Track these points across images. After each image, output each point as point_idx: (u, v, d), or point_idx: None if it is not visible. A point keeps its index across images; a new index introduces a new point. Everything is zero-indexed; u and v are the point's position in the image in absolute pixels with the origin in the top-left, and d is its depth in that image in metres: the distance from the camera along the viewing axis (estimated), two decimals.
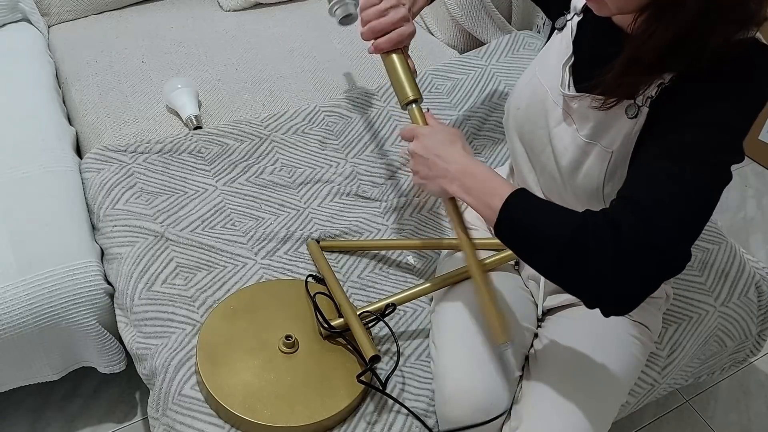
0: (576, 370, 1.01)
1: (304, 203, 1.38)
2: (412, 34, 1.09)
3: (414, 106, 1.06)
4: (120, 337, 1.24)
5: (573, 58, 0.99)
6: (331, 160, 1.48)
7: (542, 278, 1.12)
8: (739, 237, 1.99)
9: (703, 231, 1.36)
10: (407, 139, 1.01)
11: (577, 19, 1.01)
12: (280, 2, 2.00)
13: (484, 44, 1.84)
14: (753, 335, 1.33)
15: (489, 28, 1.94)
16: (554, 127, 1.01)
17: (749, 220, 2.05)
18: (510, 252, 1.08)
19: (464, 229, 1.01)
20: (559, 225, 0.81)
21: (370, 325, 1.12)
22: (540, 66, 1.06)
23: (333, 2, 1.40)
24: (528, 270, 1.16)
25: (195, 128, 1.51)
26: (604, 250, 0.77)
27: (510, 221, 0.85)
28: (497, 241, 0.94)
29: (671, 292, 1.16)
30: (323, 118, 1.56)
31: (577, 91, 0.97)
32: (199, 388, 1.07)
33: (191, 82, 1.59)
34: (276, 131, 1.51)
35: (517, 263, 1.19)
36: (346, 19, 1.42)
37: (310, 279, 1.17)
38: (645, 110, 0.88)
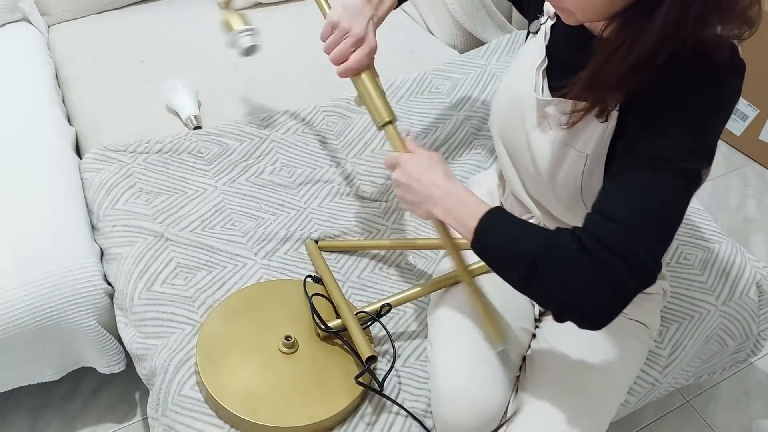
0: (574, 370, 1.01)
1: (304, 203, 1.38)
2: (372, 52, 1.08)
3: (390, 126, 1.07)
4: (120, 337, 1.24)
5: (546, 62, 0.99)
6: (331, 160, 1.48)
7: None
8: (739, 237, 1.99)
9: (704, 231, 1.37)
10: (390, 168, 1.02)
11: (550, 23, 1.01)
12: (280, 2, 2.00)
13: (484, 44, 1.84)
14: (754, 335, 1.33)
15: (489, 28, 1.94)
16: (531, 131, 1.02)
17: (749, 220, 2.05)
18: None
19: (451, 238, 1.03)
20: (528, 243, 0.84)
21: (367, 325, 1.12)
22: (516, 69, 1.07)
23: (240, 31, 1.37)
24: None
25: (195, 128, 1.51)
26: (569, 267, 0.80)
27: (484, 240, 0.88)
28: None
29: (668, 288, 1.15)
30: (323, 118, 1.56)
31: (553, 96, 0.97)
32: (198, 388, 1.07)
33: (191, 82, 1.59)
34: (276, 131, 1.51)
35: None
36: (251, 49, 1.41)
37: (308, 279, 1.17)
38: (615, 114, 0.88)
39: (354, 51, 1.05)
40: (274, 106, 1.62)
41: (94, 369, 1.33)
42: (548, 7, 1.02)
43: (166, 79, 1.60)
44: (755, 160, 2.23)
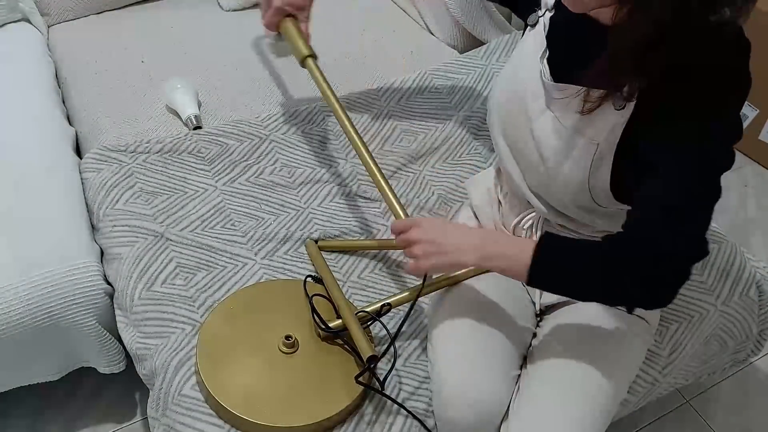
0: (575, 367, 1.01)
1: (304, 203, 1.38)
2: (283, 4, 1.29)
3: (310, 61, 1.27)
4: (120, 337, 1.24)
5: (548, 52, 1.00)
6: (331, 160, 1.48)
7: None
8: (739, 237, 1.98)
9: None
10: (403, 231, 1.01)
11: (549, 15, 1.02)
12: None
13: (484, 44, 1.84)
14: (754, 335, 1.33)
15: (489, 28, 1.94)
16: (536, 119, 1.01)
17: (749, 220, 2.05)
18: None
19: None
20: (589, 263, 0.88)
21: (367, 325, 1.12)
22: (517, 61, 1.07)
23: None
24: None
25: (195, 128, 1.51)
26: (634, 269, 0.85)
27: (541, 274, 0.91)
28: None
29: None
30: (323, 118, 1.56)
31: (556, 82, 0.98)
32: (199, 388, 1.07)
33: (191, 82, 1.59)
34: (276, 131, 1.51)
35: None
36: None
37: (309, 279, 1.17)
38: (632, 102, 0.89)
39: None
40: (274, 106, 1.62)
41: (94, 369, 1.33)
42: (545, 0, 1.03)
43: (166, 79, 1.60)
44: (755, 161, 2.23)
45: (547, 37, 1.00)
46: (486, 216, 1.21)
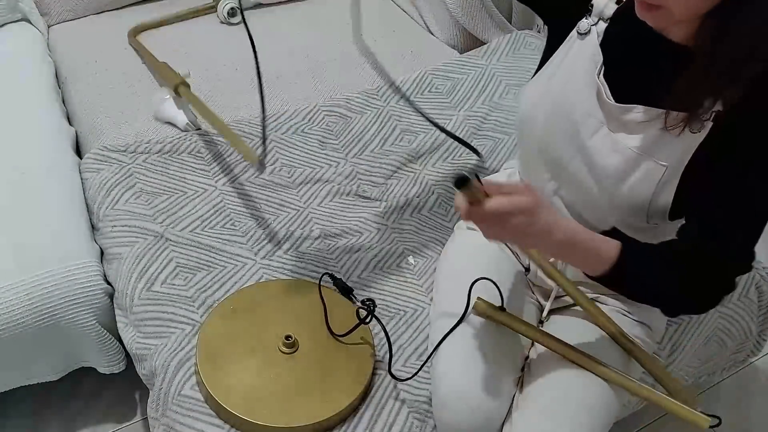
0: (577, 370, 1.01)
1: (304, 203, 1.38)
2: None
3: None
4: (120, 337, 1.24)
5: (604, 67, 0.93)
6: (331, 160, 1.48)
7: (555, 287, 1.11)
8: None
9: None
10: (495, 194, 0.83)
11: (603, 25, 0.94)
12: (280, 2, 2.00)
13: (484, 44, 1.84)
14: (753, 335, 1.33)
15: (489, 28, 1.94)
16: (589, 137, 0.95)
17: None
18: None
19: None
20: (665, 280, 0.89)
21: (367, 321, 1.11)
22: (561, 74, 0.99)
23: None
24: (534, 273, 1.15)
25: (197, 130, 1.51)
26: (701, 277, 0.88)
27: (624, 273, 0.89)
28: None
29: None
30: (323, 118, 1.56)
31: (617, 101, 0.92)
32: (198, 389, 1.07)
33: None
34: (275, 131, 1.51)
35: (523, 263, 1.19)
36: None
37: (325, 278, 1.18)
38: (709, 125, 0.85)
39: None
40: (274, 106, 1.62)
41: (94, 369, 1.33)
42: (602, 9, 0.94)
43: (152, 92, 1.58)
44: None
45: (603, 51, 0.93)
46: None
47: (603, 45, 0.94)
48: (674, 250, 0.89)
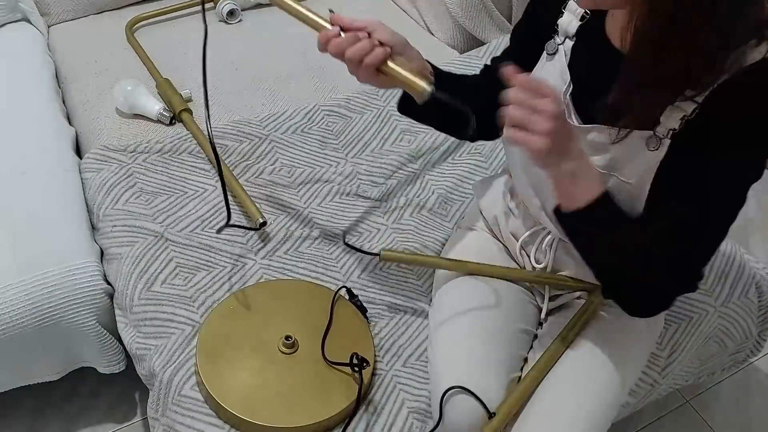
0: (576, 370, 1.01)
1: (304, 203, 1.38)
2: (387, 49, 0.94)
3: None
4: (120, 337, 1.24)
5: (572, 86, 0.94)
6: (331, 160, 1.47)
7: (547, 288, 1.11)
8: (739, 237, 1.98)
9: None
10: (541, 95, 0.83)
11: (570, 43, 0.95)
12: None
13: (484, 44, 1.84)
14: (753, 335, 1.33)
15: (489, 28, 1.94)
16: None
17: (749, 220, 2.05)
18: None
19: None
20: (626, 237, 0.89)
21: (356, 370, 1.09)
22: None
23: None
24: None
25: (171, 120, 1.51)
26: (661, 266, 0.89)
27: (583, 223, 0.90)
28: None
29: None
30: (323, 118, 1.56)
31: (583, 122, 0.93)
32: (198, 389, 1.07)
33: (136, 81, 1.56)
34: (275, 131, 1.51)
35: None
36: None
37: (342, 291, 1.17)
38: (667, 142, 0.86)
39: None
40: (274, 106, 1.62)
41: (94, 369, 1.33)
42: (566, 27, 0.95)
43: (112, 85, 1.55)
44: None
45: (571, 70, 0.94)
46: (494, 222, 1.18)
47: (570, 64, 0.94)
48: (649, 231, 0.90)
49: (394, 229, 1.35)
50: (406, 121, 1.58)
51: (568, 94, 0.93)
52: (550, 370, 1.02)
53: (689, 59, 0.77)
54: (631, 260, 0.89)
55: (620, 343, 1.05)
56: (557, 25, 0.96)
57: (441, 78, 1.01)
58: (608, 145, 0.90)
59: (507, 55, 1.10)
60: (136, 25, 1.82)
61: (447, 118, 1.03)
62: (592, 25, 0.92)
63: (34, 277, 1.21)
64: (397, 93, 1.65)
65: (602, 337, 1.05)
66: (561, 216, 0.90)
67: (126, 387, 1.46)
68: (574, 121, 0.93)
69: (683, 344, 1.22)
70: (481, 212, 1.22)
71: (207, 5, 1.93)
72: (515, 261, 1.16)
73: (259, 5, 1.97)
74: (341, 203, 1.39)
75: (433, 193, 1.43)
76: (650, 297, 0.93)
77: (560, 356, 1.03)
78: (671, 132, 0.86)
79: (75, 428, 1.41)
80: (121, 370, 1.33)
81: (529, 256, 1.12)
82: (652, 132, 0.87)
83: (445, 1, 1.91)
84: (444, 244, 1.29)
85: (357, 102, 1.61)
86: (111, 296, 1.27)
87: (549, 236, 1.08)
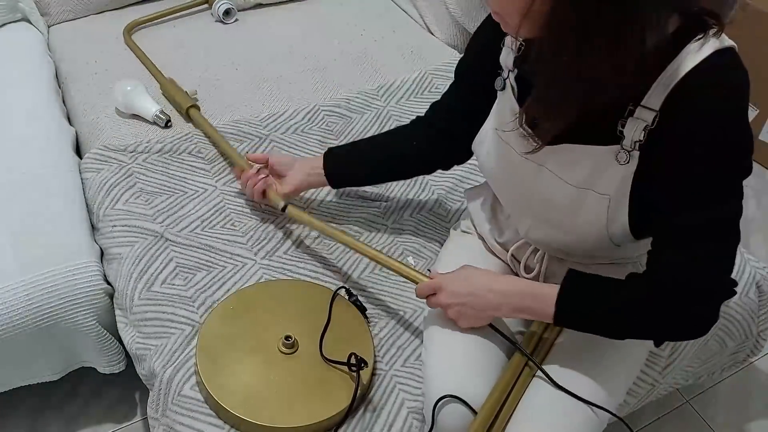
0: (573, 369, 1.01)
1: (304, 203, 1.38)
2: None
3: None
4: (120, 337, 1.24)
5: (524, 115, 0.93)
6: None
7: None
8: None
9: None
10: (429, 293, 1.04)
11: (512, 75, 0.98)
12: (280, 2, 2.00)
13: None
14: (753, 335, 1.33)
15: None
16: (533, 180, 0.99)
17: (749, 220, 2.05)
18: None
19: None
20: (616, 308, 0.91)
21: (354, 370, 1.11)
22: (496, 123, 1.03)
23: None
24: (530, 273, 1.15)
25: (167, 123, 1.51)
26: (666, 309, 0.88)
27: (568, 321, 0.95)
28: None
29: None
30: (323, 118, 1.56)
31: (548, 143, 0.93)
32: (198, 389, 1.07)
33: (137, 80, 1.56)
34: (275, 131, 1.51)
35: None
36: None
37: (341, 291, 1.18)
38: (636, 154, 0.87)
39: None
40: (274, 106, 1.62)
41: (94, 369, 1.33)
42: (505, 61, 0.99)
43: (113, 84, 1.56)
44: (755, 161, 2.23)
45: (518, 98, 0.97)
46: (485, 232, 1.18)
47: (520, 92, 0.97)
48: (636, 281, 0.90)
49: (394, 229, 1.35)
50: (407, 122, 1.58)
51: (523, 122, 0.93)
52: (525, 365, 1.03)
53: (586, 69, 0.78)
54: (645, 307, 0.89)
55: (615, 345, 1.04)
56: (500, 62, 1.01)
57: (338, 158, 1.25)
58: (582, 161, 0.92)
59: (450, 95, 1.17)
60: (134, 29, 1.82)
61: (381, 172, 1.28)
62: (527, 51, 0.94)
63: (34, 277, 1.21)
64: (397, 93, 1.65)
65: (596, 340, 1.03)
66: (562, 324, 0.96)
67: (126, 387, 1.46)
68: (537, 144, 0.92)
69: (683, 344, 1.22)
70: (472, 220, 1.22)
71: (202, 6, 1.94)
72: (509, 266, 1.16)
73: (259, 5, 1.98)
74: (341, 203, 1.39)
75: (433, 193, 1.43)
76: (688, 321, 0.89)
77: (536, 347, 1.06)
78: (638, 143, 0.86)
79: (75, 428, 1.41)
80: (121, 370, 1.33)
81: (519, 263, 1.12)
82: (619, 146, 0.88)
83: (445, 1, 1.91)
84: (443, 244, 1.29)
85: (357, 102, 1.61)
86: (111, 296, 1.27)
87: (539, 252, 1.10)
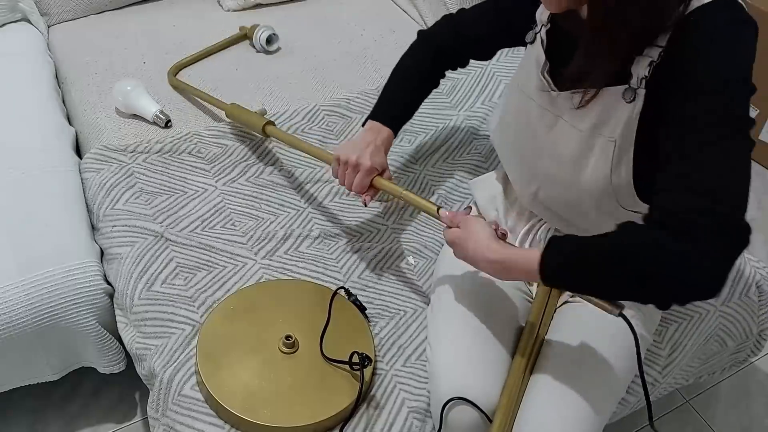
0: (573, 365, 1.01)
1: (304, 203, 1.38)
2: (370, 171, 1.16)
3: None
4: (120, 337, 1.24)
5: (548, 65, 1.01)
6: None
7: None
8: None
9: None
10: (451, 225, 1.04)
11: (544, 29, 1.02)
12: (280, 2, 2.00)
13: None
14: (754, 335, 1.33)
15: None
16: (548, 132, 1.02)
17: (749, 220, 2.03)
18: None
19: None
20: (607, 256, 0.82)
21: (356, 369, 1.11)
22: (520, 79, 1.08)
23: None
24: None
25: (167, 123, 1.51)
26: (664, 255, 0.79)
27: (554, 274, 0.88)
28: None
29: None
30: (323, 118, 1.56)
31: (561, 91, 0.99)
32: (198, 389, 1.07)
33: (137, 81, 1.56)
34: None
35: None
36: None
37: (341, 291, 1.18)
38: (642, 92, 0.89)
39: (356, 175, 1.16)
40: (274, 106, 1.62)
41: (94, 369, 1.33)
42: (540, 16, 1.04)
43: (113, 84, 1.56)
44: (755, 161, 2.23)
45: (546, 51, 1.01)
46: (490, 219, 1.21)
47: (548, 46, 1.02)
48: (628, 227, 0.83)
49: (394, 229, 1.35)
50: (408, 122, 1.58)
51: (546, 71, 1.01)
52: (531, 360, 1.02)
53: (641, 19, 0.82)
54: (645, 251, 0.80)
55: (614, 341, 1.04)
56: (535, 15, 1.05)
57: (386, 117, 1.24)
58: (589, 108, 0.94)
59: (481, 15, 1.21)
60: (178, 71, 1.72)
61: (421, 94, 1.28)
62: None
63: (34, 277, 1.21)
64: None
65: (595, 335, 1.04)
66: (550, 284, 0.91)
67: (126, 387, 1.46)
68: (554, 91, 0.99)
69: (683, 343, 1.22)
70: (478, 210, 1.23)
71: (244, 41, 1.85)
72: None
73: (259, 5, 1.98)
74: (341, 203, 1.39)
75: (433, 193, 1.43)
76: (696, 269, 0.78)
77: (536, 345, 1.04)
78: (643, 80, 0.88)
79: (75, 428, 1.41)
80: (121, 370, 1.33)
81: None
82: (627, 85, 0.90)
83: (445, 1, 1.91)
84: (444, 244, 1.29)
85: (357, 102, 1.61)
86: (111, 296, 1.27)
87: (544, 226, 1.12)
